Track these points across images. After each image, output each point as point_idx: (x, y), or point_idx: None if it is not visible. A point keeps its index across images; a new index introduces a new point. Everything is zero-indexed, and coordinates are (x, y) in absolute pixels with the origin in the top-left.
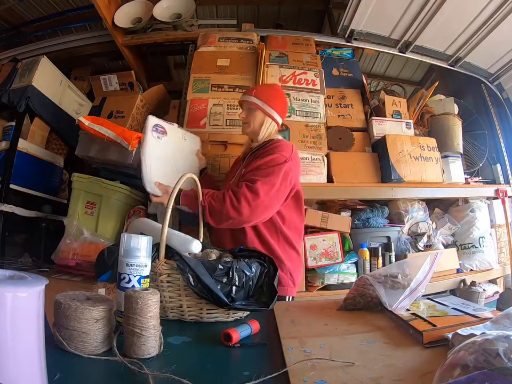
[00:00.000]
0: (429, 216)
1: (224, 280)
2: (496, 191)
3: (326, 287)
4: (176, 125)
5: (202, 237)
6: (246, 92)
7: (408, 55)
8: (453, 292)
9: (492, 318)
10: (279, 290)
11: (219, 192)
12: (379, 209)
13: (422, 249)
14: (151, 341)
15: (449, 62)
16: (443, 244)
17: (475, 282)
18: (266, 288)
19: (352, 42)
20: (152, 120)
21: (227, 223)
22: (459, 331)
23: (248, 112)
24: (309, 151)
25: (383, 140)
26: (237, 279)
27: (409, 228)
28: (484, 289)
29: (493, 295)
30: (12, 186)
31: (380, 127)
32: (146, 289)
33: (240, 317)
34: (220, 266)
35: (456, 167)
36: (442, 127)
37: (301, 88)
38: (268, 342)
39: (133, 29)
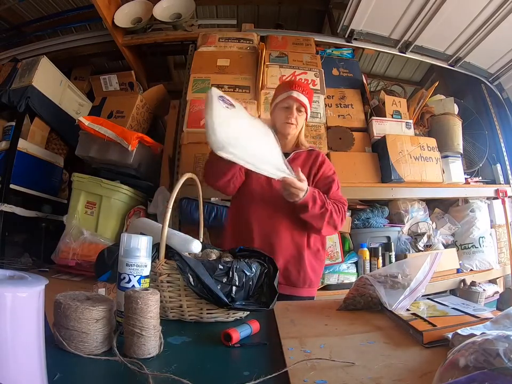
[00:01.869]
0: (429, 216)
1: (224, 280)
2: (496, 191)
3: (326, 287)
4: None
5: (202, 237)
6: (297, 87)
7: (408, 55)
8: (453, 292)
9: (492, 318)
10: (310, 292)
11: (334, 202)
12: (379, 209)
13: (422, 249)
14: (151, 341)
15: (449, 62)
16: (443, 244)
17: (475, 282)
18: (266, 288)
19: (352, 42)
20: (216, 92)
21: (326, 230)
22: (459, 331)
23: (298, 113)
24: None
25: (383, 140)
26: (237, 279)
27: (409, 228)
28: (484, 289)
29: (493, 295)
30: (12, 186)
31: (380, 127)
32: (146, 289)
33: (240, 317)
34: (220, 266)
35: (456, 167)
36: (442, 127)
37: None
38: (268, 342)
39: (133, 29)
